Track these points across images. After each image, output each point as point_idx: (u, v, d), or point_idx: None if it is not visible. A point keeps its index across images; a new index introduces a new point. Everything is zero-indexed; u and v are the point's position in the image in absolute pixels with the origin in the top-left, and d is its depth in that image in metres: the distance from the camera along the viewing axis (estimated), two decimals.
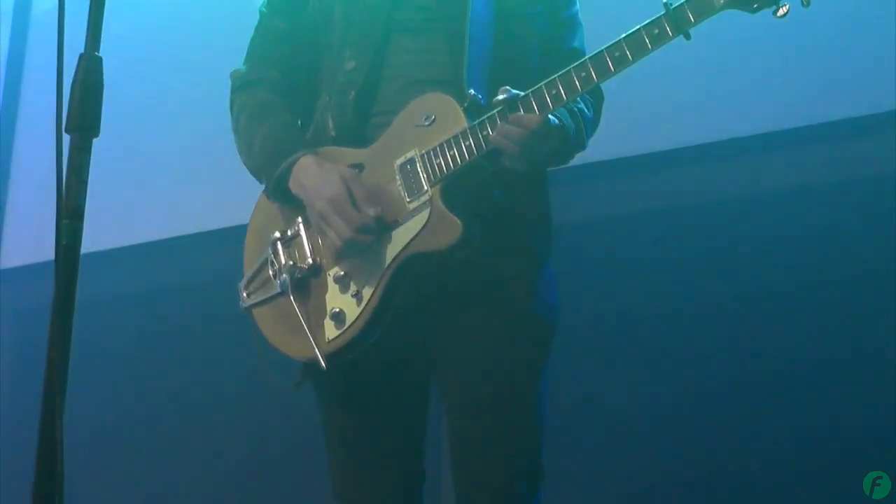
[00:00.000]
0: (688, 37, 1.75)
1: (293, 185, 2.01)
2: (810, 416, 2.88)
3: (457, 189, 1.90)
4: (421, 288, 1.94)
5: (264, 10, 2.20)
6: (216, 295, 2.55)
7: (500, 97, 1.85)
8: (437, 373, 2.04)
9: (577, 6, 2.18)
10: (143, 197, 4.18)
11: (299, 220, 2.04)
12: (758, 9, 1.72)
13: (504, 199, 1.98)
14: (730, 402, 3.01)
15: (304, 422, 2.21)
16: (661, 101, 3.21)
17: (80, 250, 1.42)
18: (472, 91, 1.93)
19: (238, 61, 2.21)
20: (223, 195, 3.56)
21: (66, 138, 1.43)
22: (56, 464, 1.37)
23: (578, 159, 2.17)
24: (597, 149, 2.24)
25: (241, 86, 2.17)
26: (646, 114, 3.22)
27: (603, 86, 2.00)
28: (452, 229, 1.86)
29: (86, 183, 1.42)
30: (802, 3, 1.70)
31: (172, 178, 4.14)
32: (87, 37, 1.46)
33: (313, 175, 1.96)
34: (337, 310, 1.96)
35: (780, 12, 1.71)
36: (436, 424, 2.11)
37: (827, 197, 3.00)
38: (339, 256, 1.96)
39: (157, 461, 3.95)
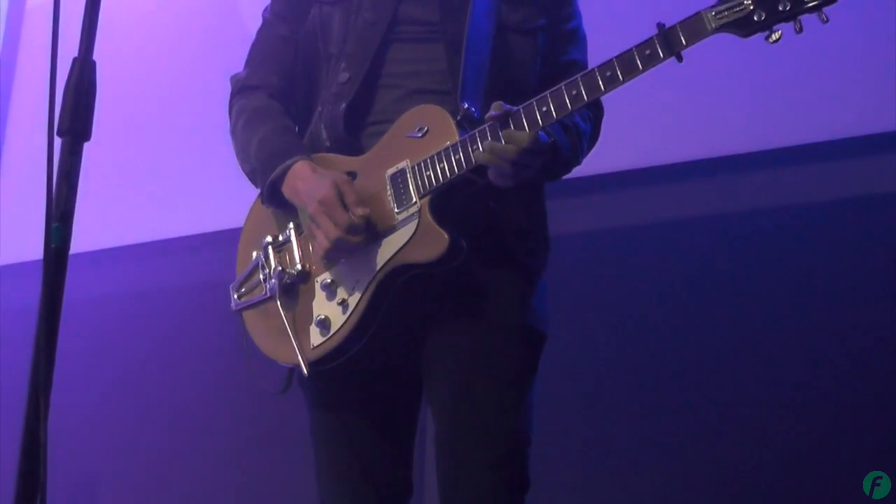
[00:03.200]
0: (679, 59, 1.74)
1: (287, 190, 2.01)
2: (811, 416, 2.91)
3: (446, 201, 1.90)
4: (409, 298, 1.94)
5: (267, 15, 2.20)
6: (209, 297, 2.55)
7: (492, 114, 1.84)
8: (425, 382, 2.04)
9: (580, 20, 2.19)
10: (141, 198, 4.21)
11: (291, 225, 2.05)
12: (750, 34, 1.72)
13: (497, 212, 1.98)
14: (730, 403, 3.04)
15: (297, 426, 2.21)
16: (663, 116, 3.24)
17: (68, 254, 1.43)
18: (465, 105, 1.92)
19: (235, 65, 2.22)
20: (219, 198, 3.57)
21: (57, 141, 1.44)
22: (39, 466, 1.37)
23: (581, 171, 2.17)
24: (601, 161, 2.26)
25: (240, 90, 2.18)
26: (646, 128, 3.24)
27: (613, 96, 1.99)
28: (439, 242, 1.86)
29: (76, 187, 1.43)
30: (795, 30, 1.70)
31: (169, 180, 4.16)
32: (81, 40, 1.46)
33: (307, 179, 1.97)
34: (322, 317, 1.96)
35: (773, 38, 1.71)
36: (421, 434, 2.12)
37: (826, 215, 3.03)
38: (328, 260, 1.97)
39: (144, 465, 3.97)
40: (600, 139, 2.19)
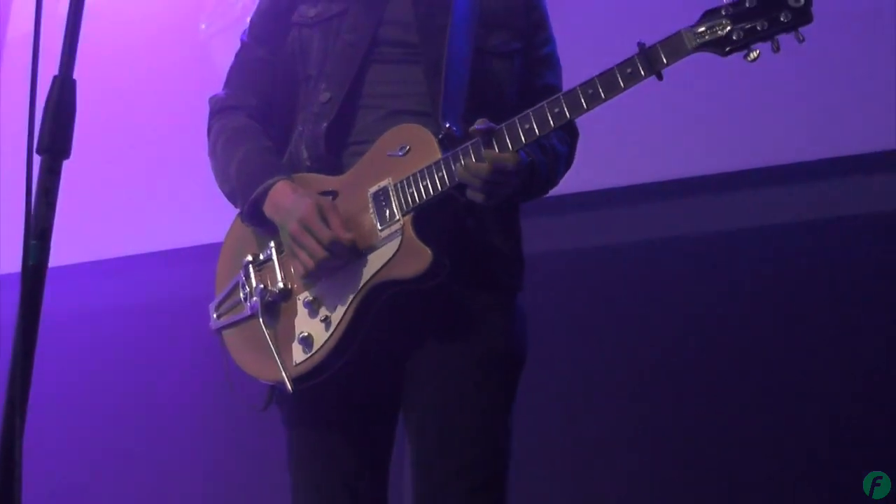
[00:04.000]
0: (660, 77, 1.78)
1: (267, 209, 2.01)
2: (810, 416, 2.95)
3: (429, 218, 1.91)
4: (391, 316, 1.94)
5: (245, 38, 2.22)
6: (188, 312, 2.55)
7: (477, 127, 1.85)
8: (404, 402, 2.04)
9: (554, 46, 2.22)
10: (119, 213, 4.20)
11: (272, 244, 2.05)
12: (729, 52, 1.75)
13: (476, 231, 1.99)
14: (731, 403, 3.07)
15: (276, 444, 2.21)
16: (650, 134, 3.26)
17: (46, 271, 1.42)
18: (447, 124, 1.94)
19: (214, 85, 2.22)
20: (198, 213, 3.57)
21: (36, 159, 1.43)
22: (14, 484, 1.36)
23: (557, 189, 2.18)
24: (576, 180, 2.28)
25: (219, 111, 2.18)
26: (637, 145, 3.26)
27: (606, 113, 2.00)
28: (422, 258, 1.87)
29: (54, 205, 1.42)
30: (773, 50, 1.73)
31: (145, 194, 4.16)
32: (61, 59, 1.45)
33: (287, 198, 1.97)
34: (305, 334, 1.96)
35: (751, 57, 1.74)
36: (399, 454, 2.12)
37: (823, 232, 3.08)
38: (311, 278, 1.97)
39: (122, 481, 3.95)
40: (579, 157, 2.20)
